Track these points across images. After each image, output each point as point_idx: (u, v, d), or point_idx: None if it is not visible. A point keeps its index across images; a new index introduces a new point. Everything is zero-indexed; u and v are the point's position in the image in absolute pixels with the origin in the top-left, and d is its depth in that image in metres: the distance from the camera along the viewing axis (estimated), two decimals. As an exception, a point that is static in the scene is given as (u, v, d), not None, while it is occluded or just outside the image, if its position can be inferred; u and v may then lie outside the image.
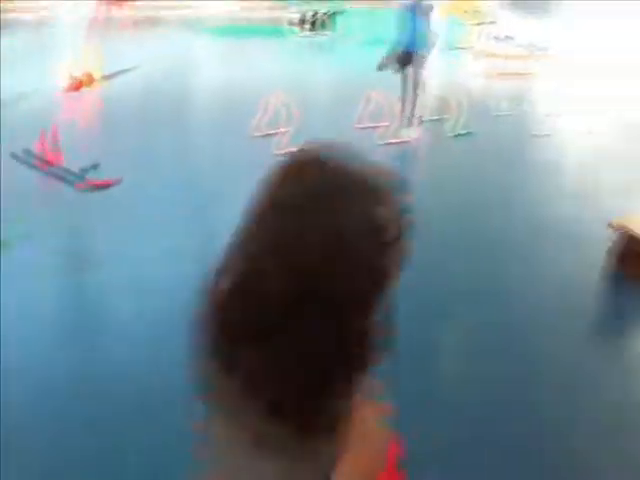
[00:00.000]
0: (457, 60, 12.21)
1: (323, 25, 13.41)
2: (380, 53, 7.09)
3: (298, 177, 0.89)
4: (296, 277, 0.86)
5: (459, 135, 7.46)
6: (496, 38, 14.10)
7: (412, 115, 6.99)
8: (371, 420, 1.00)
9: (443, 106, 8.16)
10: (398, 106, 7.03)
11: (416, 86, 6.83)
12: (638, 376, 3.71)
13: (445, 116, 7.83)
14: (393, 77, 7.06)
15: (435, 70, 10.85)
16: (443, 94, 8.66)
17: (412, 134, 7.04)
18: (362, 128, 6.98)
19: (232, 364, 0.95)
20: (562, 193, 6.14)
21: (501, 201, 5.82)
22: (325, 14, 13.21)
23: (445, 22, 13.67)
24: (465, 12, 14.35)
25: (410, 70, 6.77)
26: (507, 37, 14.34)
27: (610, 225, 4.79)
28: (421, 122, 7.20)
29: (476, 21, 14.35)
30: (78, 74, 7.93)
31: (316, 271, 0.85)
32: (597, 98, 10.17)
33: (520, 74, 11.98)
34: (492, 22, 14.87)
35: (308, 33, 13.09)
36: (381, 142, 6.81)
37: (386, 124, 7.04)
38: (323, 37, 13.05)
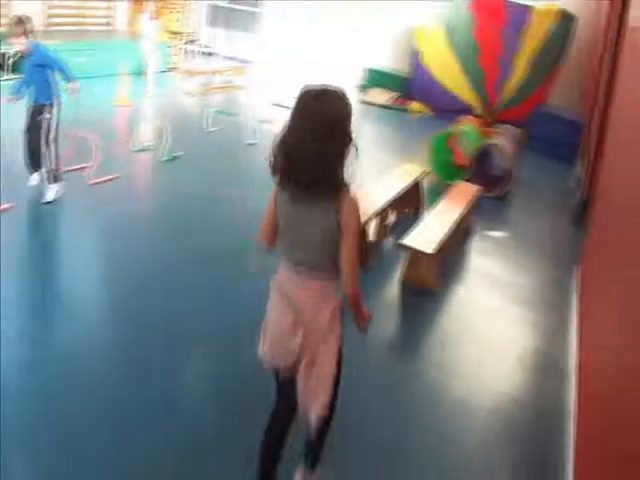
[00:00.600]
0: (166, 82, 12.16)
1: (14, 67, 12.26)
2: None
3: (316, 93, 2.14)
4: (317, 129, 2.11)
5: (171, 159, 7.28)
6: (203, 54, 14.43)
7: (53, 169, 5.76)
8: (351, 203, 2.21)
9: (155, 132, 8.03)
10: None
11: (47, 137, 5.69)
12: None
13: (159, 142, 7.57)
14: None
15: (146, 96, 10.69)
16: (154, 120, 8.56)
17: (57, 190, 5.81)
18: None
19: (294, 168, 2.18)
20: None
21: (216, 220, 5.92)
22: (16, 54, 12.02)
23: (151, 46, 13.59)
24: (171, 33, 14.38)
25: (39, 120, 5.64)
26: (212, 53, 14.76)
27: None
28: (60, 175, 5.87)
29: (181, 41, 14.48)
30: None
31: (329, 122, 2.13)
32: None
33: (229, 87, 12.41)
34: (195, 40, 15.17)
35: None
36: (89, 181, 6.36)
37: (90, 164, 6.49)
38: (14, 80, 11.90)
